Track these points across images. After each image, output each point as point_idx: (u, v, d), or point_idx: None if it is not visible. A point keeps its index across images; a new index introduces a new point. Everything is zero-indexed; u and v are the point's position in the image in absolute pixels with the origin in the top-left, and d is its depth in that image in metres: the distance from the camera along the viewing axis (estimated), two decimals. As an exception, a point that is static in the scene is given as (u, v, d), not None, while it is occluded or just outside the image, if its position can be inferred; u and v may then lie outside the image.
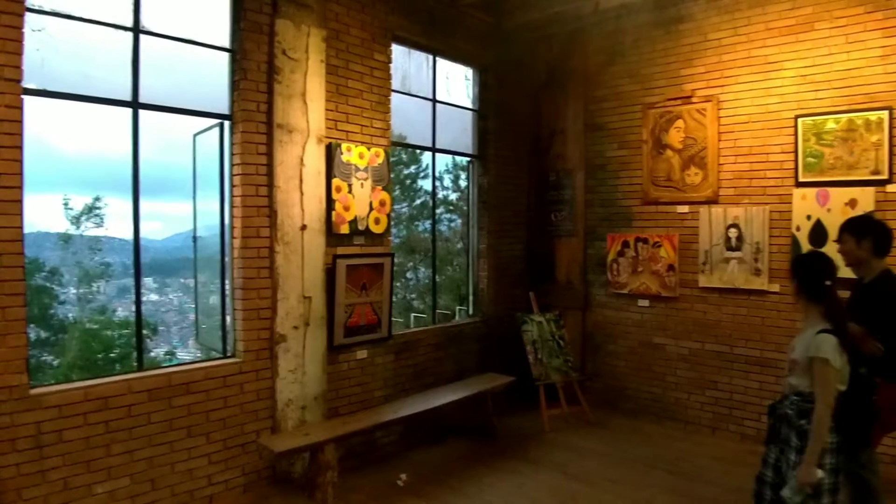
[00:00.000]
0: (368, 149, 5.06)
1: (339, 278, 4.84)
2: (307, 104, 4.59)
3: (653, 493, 4.49)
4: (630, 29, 6.18)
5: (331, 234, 4.81)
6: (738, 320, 5.53)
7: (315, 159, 4.66)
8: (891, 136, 4.78)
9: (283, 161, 4.46)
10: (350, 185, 4.92)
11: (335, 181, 4.80)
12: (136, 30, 3.88)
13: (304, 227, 4.58)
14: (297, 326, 4.56)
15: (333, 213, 4.80)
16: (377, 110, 5.22)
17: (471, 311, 6.63)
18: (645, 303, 6.08)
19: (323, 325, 4.74)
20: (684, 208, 5.85)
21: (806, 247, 5.08)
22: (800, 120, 5.16)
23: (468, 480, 4.76)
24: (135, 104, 3.89)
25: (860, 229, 3.54)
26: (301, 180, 4.57)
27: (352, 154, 4.93)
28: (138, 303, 4.06)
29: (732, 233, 5.50)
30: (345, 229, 4.91)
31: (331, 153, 4.77)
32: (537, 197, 6.89)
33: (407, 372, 5.55)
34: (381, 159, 5.15)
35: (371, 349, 5.20)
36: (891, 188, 4.81)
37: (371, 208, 5.10)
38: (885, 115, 4.79)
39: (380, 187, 5.16)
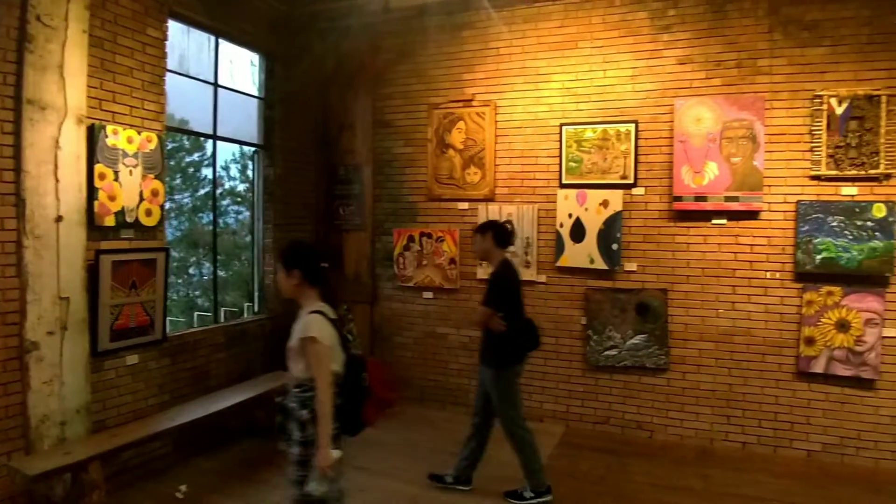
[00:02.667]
0: (139, 133, 4.62)
1: (104, 276, 4.36)
2: (65, 79, 4.04)
3: (437, 476, 4.72)
4: (418, 30, 6.37)
5: (93, 227, 4.30)
6: (512, 309, 6.02)
7: (74, 142, 4.13)
8: (636, 146, 5.55)
9: (33, 142, 3.89)
10: (117, 173, 4.45)
11: (99, 167, 4.31)
12: None
13: (59, 219, 4.04)
14: (52, 332, 4.02)
15: (96, 203, 4.30)
16: (150, 91, 4.78)
17: (257, 309, 6.40)
18: (429, 295, 6.36)
19: (84, 329, 4.23)
20: (465, 205, 6.22)
21: (568, 242, 5.70)
22: (564, 128, 5.77)
23: (255, 484, 4.61)
24: None
25: (483, 229, 4.40)
26: (56, 165, 4.02)
27: (119, 138, 4.46)
28: None
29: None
30: (110, 221, 4.43)
31: (93, 136, 4.27)
32: (326, 190, 6.84)
33: (185, 376, 5.18)
34: (153, 145, 4.74)
35: (143, 353, 4.77)
36: (636, 191, 5.59)
37: (141, 198, 4.66)
38: (632, 127, 5.55)
39: (152, 175, 4.74)
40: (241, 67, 6.20)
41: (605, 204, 5.60)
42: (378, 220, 6.66)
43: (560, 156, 5.80)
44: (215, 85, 5.72)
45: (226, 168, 12.12)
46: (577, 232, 5.68)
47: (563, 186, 5.79)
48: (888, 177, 4.91)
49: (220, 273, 8.32)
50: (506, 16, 6.00)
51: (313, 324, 2.82)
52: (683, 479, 4.76)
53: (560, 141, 5.79)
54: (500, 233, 4.38)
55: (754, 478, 4.79)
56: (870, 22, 4.96)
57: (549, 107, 5.87)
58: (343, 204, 6.75)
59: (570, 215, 5.70)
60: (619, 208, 5.56)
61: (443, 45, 6.30)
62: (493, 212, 6.02)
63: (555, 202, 5.81)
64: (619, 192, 5.59)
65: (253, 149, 6.36)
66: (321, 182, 6.86)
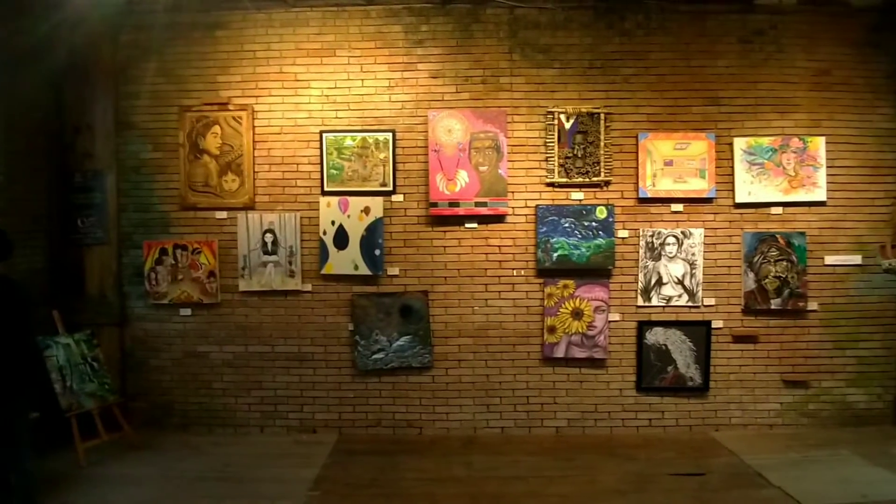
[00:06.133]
0: None
1: None
2: None
3: (201, 504, 4.44)
4: (167, 26, 5.85)
5: None
6: (278, 320, 5.87)
7: None
8: (394, 155, 5.74)
9: None
10: None
11: None
12: None
13: None
14: None
15: None
16: None
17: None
18: (187, 311, 5.92)
19: None
20: (223, 214, 5.91)
21: (332, 249, 5.72)
22: (324, 135, 5.77)
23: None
24: None
25: None
26: None
27: None
28: None
29: (268, 238, 5.80)
30: None
31: None
32: (60, 200, 6.00)
33: None
34: None
35: None
36: (395, 198, 5.79)
37: None
38: (389, 136, 5.74)
39: None
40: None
41: (366, 211, 5.71)
42: (125, 232, 6.02)
43: (321, 163, 5.78)
44: None
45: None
46: (341, 239, 5.72)
47: (325, 194, 5.78)
48: (607, 183, 5.71)
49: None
50: (262, 18, 5.83)
51: None
52: (450, 469, 5.03)
53: (321, 148, 5.77)
54: None
55: (513, 458, 5.22)
56: (591, 49, 5.73)
57: (308, 113, 5.83)
58: (82, 215, 5.99)
59: (333, 223, 5.72)
60: (381, 215, 5.71)
61: (194, 43, 5.91)
62: (253, 220, 5.81)
63: (317, 210, 5.78)
64: (380, 199, 5.75)
65: (-39, 152, 5.41)
66: (54, 191, 6.01)
